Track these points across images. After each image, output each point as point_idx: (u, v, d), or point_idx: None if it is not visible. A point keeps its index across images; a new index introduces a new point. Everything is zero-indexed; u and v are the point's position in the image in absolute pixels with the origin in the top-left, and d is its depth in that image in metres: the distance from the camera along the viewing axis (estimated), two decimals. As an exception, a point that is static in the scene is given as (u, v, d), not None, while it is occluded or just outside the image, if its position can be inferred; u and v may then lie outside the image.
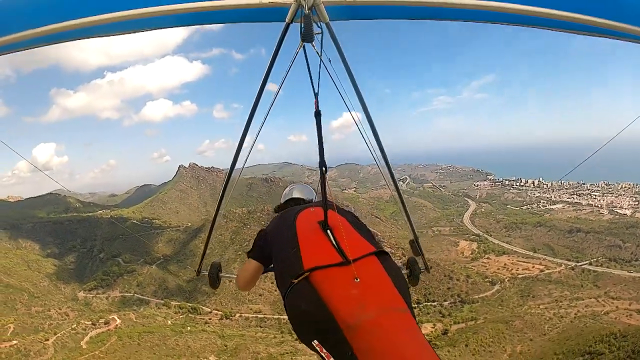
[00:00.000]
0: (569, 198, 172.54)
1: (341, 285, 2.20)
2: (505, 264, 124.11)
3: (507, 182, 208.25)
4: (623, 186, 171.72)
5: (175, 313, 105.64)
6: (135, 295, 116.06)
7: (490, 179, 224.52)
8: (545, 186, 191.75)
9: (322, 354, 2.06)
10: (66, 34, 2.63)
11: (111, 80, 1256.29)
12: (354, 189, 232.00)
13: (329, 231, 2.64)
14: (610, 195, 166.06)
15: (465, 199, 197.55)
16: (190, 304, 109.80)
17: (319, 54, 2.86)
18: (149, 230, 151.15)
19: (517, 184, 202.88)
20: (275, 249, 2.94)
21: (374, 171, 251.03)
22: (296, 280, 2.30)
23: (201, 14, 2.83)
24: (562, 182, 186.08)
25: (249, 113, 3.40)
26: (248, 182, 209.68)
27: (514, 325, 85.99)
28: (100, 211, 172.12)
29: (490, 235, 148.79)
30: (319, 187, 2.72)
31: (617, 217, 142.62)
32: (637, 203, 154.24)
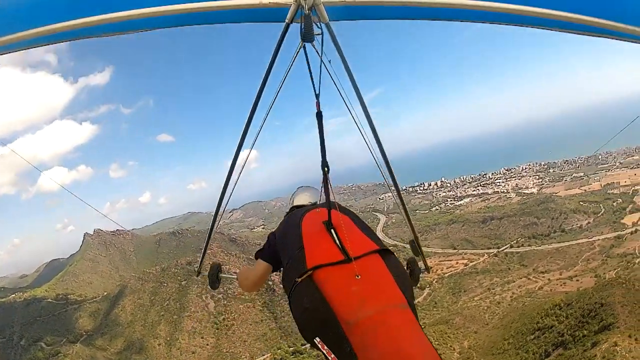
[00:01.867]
0: (474, 190, 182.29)
1: (342, 283, 2.26)
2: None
3: (411, 189, 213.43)
4: (524, 167, 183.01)
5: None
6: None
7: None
8: (448, 185, 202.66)
9: (324, 351, 2.11)
10: (66, 34, 2.66)
11: (2, 154, 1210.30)
12: (262, 227, 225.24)
13: (332, 230, 2.68)
14: (514, 178, 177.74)
15: (374, 213, 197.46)
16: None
17: (320, 54, 2.87)
18: (66, 307, 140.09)
19: (421, 188, 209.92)
20: (282, 250, 2.99)
21: (278, 205, 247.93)
22: (300, 279, 2.37)
23: (201, 14, 2.87)
24: (465, 177, 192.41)
25: (249, 114, 3.45)
26: (156, 239, 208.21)
27: (454, 323, 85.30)
28: (13, 295, 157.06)
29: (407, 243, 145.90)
30: (322, 188, 2.82)
31: (525, 197, 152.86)
32: (540, 180, 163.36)
